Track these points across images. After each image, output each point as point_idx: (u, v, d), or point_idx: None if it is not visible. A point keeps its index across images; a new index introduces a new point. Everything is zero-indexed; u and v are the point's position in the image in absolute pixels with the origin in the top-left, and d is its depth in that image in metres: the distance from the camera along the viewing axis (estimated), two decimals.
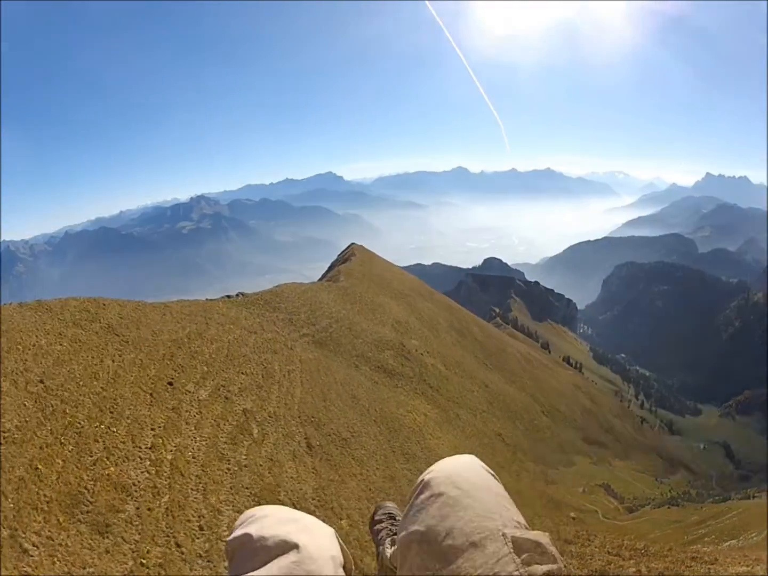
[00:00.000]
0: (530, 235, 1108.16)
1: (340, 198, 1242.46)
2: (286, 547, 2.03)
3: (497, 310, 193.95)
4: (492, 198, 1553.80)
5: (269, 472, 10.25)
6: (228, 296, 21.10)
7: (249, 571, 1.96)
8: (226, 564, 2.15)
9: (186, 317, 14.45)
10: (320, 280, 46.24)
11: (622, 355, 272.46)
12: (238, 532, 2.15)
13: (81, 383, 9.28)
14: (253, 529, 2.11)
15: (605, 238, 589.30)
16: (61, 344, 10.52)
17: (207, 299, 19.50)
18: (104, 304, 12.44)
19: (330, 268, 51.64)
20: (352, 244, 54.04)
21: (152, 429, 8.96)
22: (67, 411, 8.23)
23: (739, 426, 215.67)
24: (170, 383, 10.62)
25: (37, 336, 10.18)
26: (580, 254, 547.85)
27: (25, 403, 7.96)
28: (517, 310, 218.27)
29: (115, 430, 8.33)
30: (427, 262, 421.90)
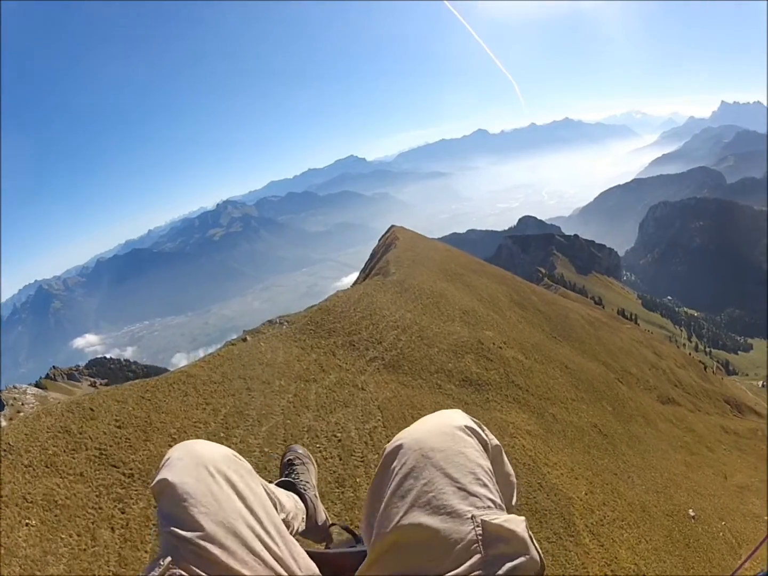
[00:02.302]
0: (559, 188, 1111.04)
1: (365, 179, 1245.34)
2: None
3: (543, 270, 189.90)
4: (515, 156, 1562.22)
5: None
6: (270, 322, 17.20)
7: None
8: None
9: (217, 387, 10.32)
10: (366, 270, 42.70)
11: (669, 297, 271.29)
12: (158, 476, 2.09)
13: None
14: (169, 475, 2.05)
15: (634, 180, 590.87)
16: (27, 523, 6.33)
17: (244, 333, 15.58)
18: (92, 409, 8.18)
19: (372, 257, 48.02)
20: (392, 226, 50.44)
21: None
22: None
23: None
24: None
25: None
26: (612, 200, 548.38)
27: None
28: (561, 266, 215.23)
29: None
30: (462, 229, 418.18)
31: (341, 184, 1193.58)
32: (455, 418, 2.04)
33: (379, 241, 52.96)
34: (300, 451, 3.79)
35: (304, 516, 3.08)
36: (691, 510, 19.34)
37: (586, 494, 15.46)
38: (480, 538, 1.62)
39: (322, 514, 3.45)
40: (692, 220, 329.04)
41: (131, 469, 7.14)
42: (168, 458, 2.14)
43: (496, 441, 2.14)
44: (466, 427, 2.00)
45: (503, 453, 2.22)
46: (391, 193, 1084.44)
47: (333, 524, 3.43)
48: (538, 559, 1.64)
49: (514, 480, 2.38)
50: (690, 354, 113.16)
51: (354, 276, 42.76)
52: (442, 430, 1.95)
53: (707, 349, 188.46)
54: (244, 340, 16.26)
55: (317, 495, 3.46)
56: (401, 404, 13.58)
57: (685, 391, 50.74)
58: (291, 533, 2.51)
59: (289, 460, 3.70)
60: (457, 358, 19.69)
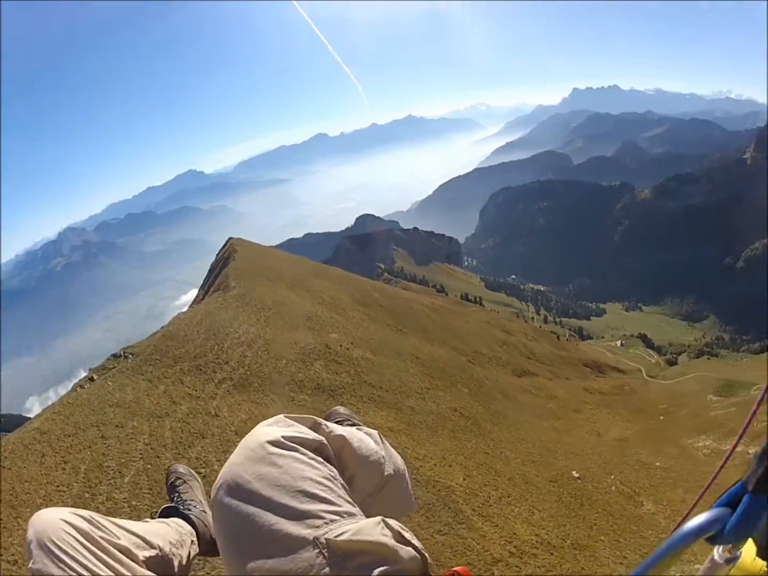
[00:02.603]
0: (398, 184, 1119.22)
1: (203, 193, 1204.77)
2: None
3: (382, 266, 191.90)
4: (355, 157, 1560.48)
5: None
6: (114, 355, 16.85)
7: None
8: None
9: (72, 441, 10.17)
10: (205, 287, 42.11)
11: (513, 276, 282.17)
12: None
13: None
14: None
15: (475, 169, 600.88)
16: None
17: (90, 372, 15.24)
18: None
19: (211, 272, 47.17)
20: (230, 239, 49.94)
21: None
22: None
23: (648, 315, 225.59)
24: None
25: None
26: (453, 191, 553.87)
27: None
28: (401, 260, 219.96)
29: None
30: (300, 234, 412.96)
31: (181, 200, 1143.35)
32: (268, 432, 1.88)
33: (217, 255, 51.92)
34: (180, 470, 3.68)
35: (194, 537, 2.88)
36: (574, 471, 20.43)
37: (464, 479, 16.08)
38: (326, 561, 1.51)
39: None
40: (536, 201, 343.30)
41: (13, 554, 6.44)
42: (26, 542, 2.00)
43: (338, 431, 2.05)
44: (283, 437, 1.84)
45: (351, 438, 2.09)
46: (230, 204, 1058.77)
47: None
48: (414, 554, 1.54)
49: (378, 456, 2.23)
50: (540, 326, 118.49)
51: (193, 293, 41.94)
52: (255, 456, 1.79)
53: (558, 320, 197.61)
54: (91, 379, 15.82)
55: (206, 510, 3.21)
56: (255, 425, 13.74)
57: (540, 361, 52.69)
58: (180, 562, 2.48)
59: (172, 483, 3.56)
60: (306, 367, 19.96)
